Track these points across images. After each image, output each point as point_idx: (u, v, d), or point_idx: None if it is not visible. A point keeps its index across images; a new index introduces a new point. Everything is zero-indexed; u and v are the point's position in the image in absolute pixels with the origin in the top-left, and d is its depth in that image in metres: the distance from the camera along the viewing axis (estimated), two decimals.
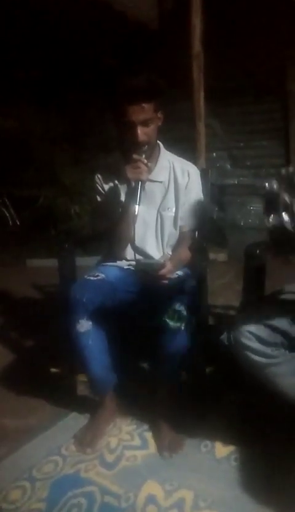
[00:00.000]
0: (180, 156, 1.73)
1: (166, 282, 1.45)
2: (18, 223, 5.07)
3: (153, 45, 4.25)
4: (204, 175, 1.77)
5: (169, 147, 1.73)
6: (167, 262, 1.45)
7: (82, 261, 1.83)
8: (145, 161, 1.51)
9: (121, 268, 1.68)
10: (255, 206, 4.31)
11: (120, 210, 1.59)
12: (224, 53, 3.75)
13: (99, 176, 1.71)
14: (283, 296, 1.33)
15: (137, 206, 1.49)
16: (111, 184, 1.68)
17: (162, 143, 1.70)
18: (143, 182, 1.52)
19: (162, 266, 1.42)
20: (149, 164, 1.55)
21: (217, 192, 4.27)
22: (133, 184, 1.51)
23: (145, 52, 4.18)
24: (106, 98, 1.93)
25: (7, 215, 5.10)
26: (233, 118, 4.26)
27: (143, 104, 1.45)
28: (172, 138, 1.89)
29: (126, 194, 1.60)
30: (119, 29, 4.10)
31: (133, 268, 1.57)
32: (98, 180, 1.71)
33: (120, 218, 1.59)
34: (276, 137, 4.12)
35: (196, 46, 3.15)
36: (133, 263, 1.58)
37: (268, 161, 4.19)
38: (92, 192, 1.74)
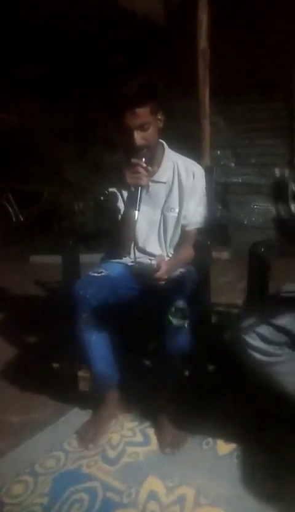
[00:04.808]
0: (184, 154, 1.71)
1: (162, 283, 1.45)
2: (22, 219, 5.09)
3: (160, 42, 4.23)
4: (208, 172, 1.76)
5: (173, 145, 1.71)
6: (162, 264, 1.44)
7: (85, 257, 1.83)
8: (145, 165, 1.47)
9: (125, 265, 1.67)
10: (259, 205, 4.30)
11: (121, 215, 1.59)
12: (230, 50, 3.74)
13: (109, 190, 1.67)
14: (287, 295, 1.33)
15: (137, 212, 1.47)
16: (113, 189, 1.65)
17: (166, 141, 1.68)
18: (143, 187, 1.50)
19: (157, 269, 1.41)
20: (150, 168, 1.51)
21: (221, 191, 4.28)
22: (133, 189, 1.49)
23: (152, 49, 4.18)
24: (105, 102, 1.94)
25: (11, 211, 5.12)
26: (238, 116, 4.26)
27: (137, 109, 1.41)
28: (177, 135, 1.88)
29: (127, 199, 1.57)
30: (126, 26, 4.09)
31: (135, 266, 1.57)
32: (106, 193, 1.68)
33: (121, 222, 1.58)
34: (280, 135, 4.11)
35: (203, 43, 3.16)
36: (137, 260, 1.58)
37: (272, 160, 4.18)
38: (96, 190, 1.72)
